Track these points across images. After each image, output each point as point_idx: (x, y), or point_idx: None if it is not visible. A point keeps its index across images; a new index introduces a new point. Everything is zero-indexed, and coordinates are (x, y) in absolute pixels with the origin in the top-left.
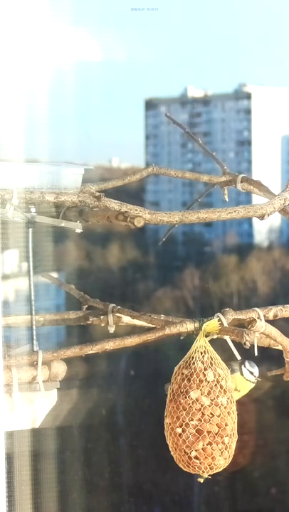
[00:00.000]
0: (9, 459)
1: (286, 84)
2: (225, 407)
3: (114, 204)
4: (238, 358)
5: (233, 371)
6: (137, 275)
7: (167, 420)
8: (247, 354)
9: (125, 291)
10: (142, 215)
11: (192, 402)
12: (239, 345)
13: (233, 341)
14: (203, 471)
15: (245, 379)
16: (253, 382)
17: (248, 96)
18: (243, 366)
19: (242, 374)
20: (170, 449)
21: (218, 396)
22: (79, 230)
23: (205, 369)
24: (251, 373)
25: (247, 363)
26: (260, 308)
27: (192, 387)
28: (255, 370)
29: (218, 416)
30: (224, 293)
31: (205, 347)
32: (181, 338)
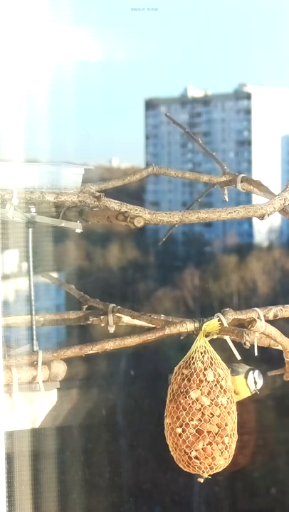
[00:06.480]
0: (9, 459)
1: (286, 84)
2: (225, 407)
3: (114, 204)
4: (238, 357)
5: (236, 373)
6: (137, 275)
7: (167, 420)
8: (247, 354)
9: (125, 291)
10: (142, 215)
11: (192, 402)
12: (239, 345)
13: (233, 341)
14: (203, 471)
15: (247, 385)
16: (251, 392)
17: (248, 96)
18: (251, 372)
19: (246, 378)
20: (170, 449)
21: (218, 396)
22: (79, 230)
23: (205, 369)
24: (255, 383)
25: (256, 372)
26: (260, 308)
27: (192, 387)
28: (260, 383)
29: (218, 416)
30: (224, 293)
31: (205, 347)
32: (181, 338)
